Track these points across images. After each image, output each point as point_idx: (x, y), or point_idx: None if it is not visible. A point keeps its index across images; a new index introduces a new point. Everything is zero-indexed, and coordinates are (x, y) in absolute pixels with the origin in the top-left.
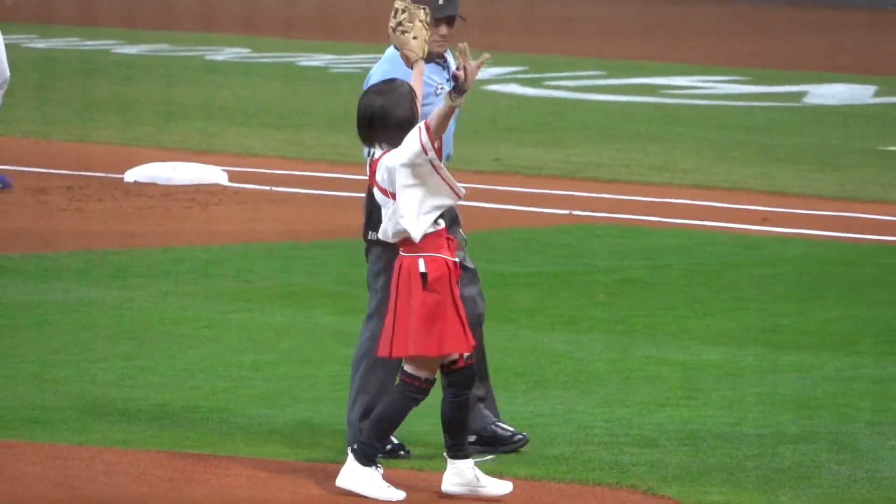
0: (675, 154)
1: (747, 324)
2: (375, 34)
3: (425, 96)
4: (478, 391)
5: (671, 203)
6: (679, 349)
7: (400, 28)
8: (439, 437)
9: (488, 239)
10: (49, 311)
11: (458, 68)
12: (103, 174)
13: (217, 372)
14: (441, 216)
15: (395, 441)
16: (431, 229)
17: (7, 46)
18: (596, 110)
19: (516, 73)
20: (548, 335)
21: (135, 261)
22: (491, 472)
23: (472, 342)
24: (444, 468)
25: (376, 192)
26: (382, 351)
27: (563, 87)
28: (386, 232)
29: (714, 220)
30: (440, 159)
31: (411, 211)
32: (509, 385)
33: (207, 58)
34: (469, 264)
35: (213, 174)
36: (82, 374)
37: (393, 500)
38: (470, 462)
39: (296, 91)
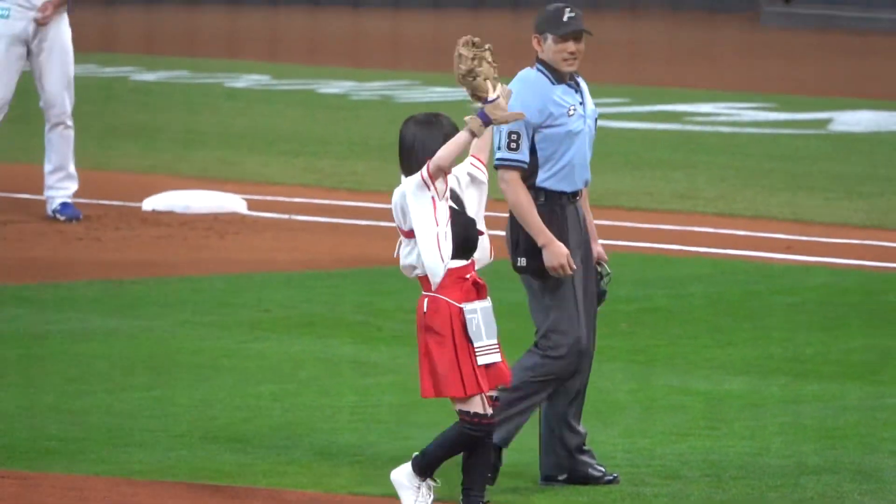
0: (698, 182)
1: (770, 353)
2: (398, 61)
3: (558, 117)
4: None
5: (694, 231)
6: (701, 378)
7: (471, 74)
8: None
9: (509, 270)
10: (66, 341)
11: (485, 92)
12: (121, 203)
13: (235, 402)
14: (456, 254)
15: (601, 468)
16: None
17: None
18: (619, 137)
19: None
20: None
21: (152, 290)
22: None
23: (472, 391)
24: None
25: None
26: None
27: None
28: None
29: (737, 249)
30: (442, 196)
31: (414, 251)
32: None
33: (227, 85)
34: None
35: (231, 202)
36: (99, 404)
37: None
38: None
39: (315, 118)
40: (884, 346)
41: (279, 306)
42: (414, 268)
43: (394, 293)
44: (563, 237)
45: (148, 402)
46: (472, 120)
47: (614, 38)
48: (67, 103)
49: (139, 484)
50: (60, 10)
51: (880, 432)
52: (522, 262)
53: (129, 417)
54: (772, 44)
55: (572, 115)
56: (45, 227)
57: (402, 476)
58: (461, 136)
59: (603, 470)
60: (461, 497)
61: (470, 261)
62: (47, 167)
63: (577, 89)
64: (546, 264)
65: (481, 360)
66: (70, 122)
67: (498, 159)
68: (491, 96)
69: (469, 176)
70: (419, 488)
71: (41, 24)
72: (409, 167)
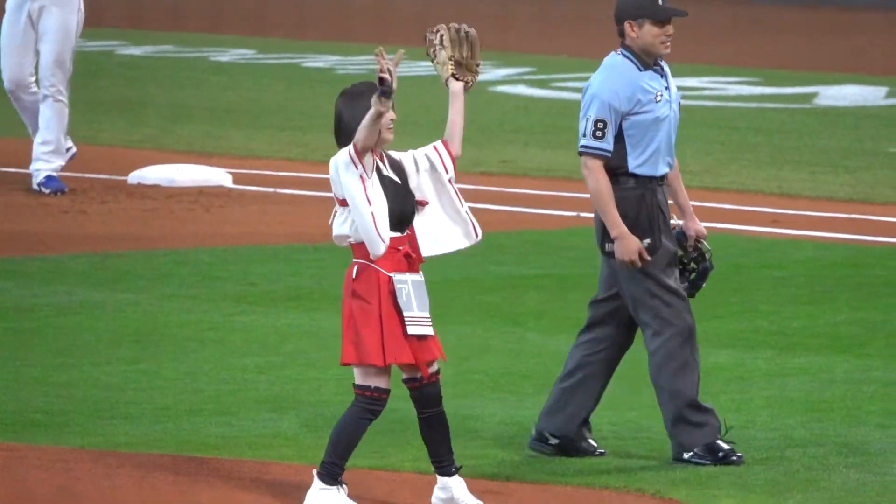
0: (684, 156)
1: (757, 326)
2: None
3: (646, 104)
4: (591, 403)
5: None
6: None
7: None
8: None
9: (496, 241)
10: (52, 315)
11: (381, 71)
12: (107, 176)
13: (221, 375)
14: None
15: (726, 446)
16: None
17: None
18: None
19: (524, 74)
20: (556, 338)
21: (138, 263)
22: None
23: (392, 360)
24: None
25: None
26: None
27: (572, 89)
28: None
29: (724, 223)
30: (371, 172)
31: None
32: (516, 388)
33: (213, 59)
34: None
35: (217, 176)
36: (85, 377)
37: None
38: (456, 480)
39: (301, 92)
40: (870, 319)
41: (265, 279)
42: (347, 237)
43: None
44: (653, 221)
45: (134, 374)
46: (374, 99)
47: (601, 13)
48: (58, 79)
49: (125, 456)
50: None
51: (866, 405)
52: (610, 247)
53: (114, 390)
54: (759, 19)
55: (659, 101)
56: (31, 201)
57: (316, 498)
58: (370, 113)
59: (595, 445)
60: (435, 472)
61: (405, 233)
62: (36, 139)
63: (663, 74)
64: (617, 257)
65: (411, 330)
66: (61, 98)
67: (582, 146)
68: (443, 76)
69: (428, 161)
70: (335, 500)
71: None
72: (340, 139)
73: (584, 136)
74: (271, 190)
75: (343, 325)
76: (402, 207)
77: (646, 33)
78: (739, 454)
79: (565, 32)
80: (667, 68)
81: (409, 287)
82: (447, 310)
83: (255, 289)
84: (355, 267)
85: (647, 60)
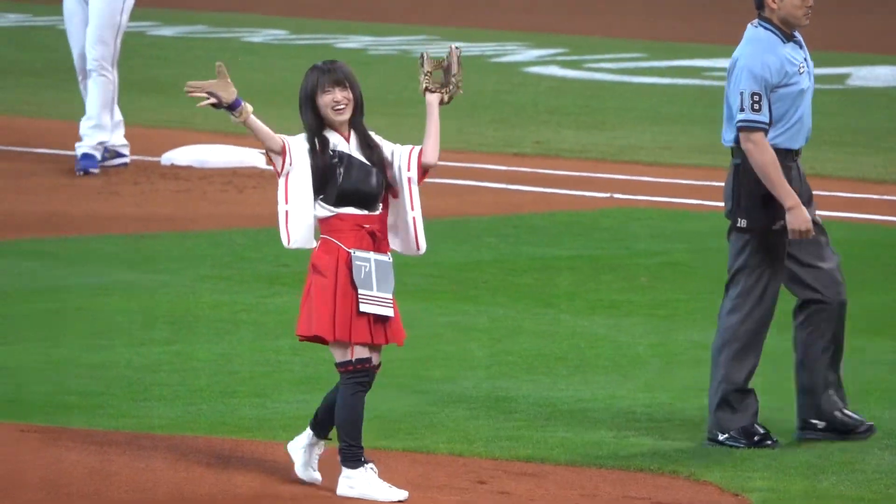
0: (717, 136)
1: (790, 308)
2: (416, 15)
3: (792, 76)
4: (830, 375)
5: (713, 186)
6: None
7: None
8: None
9: (529, 222)
10: (84, 296)
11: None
12: (139, 157)
13: (255, 357)
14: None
15: (762, 430)
16: (326, 213)
17: (43, 28)
18: (637, 92)
19: (556, 55)
20: (589, 319)
21: (171, 245)
22: (538, 458)
23: (341, 337)
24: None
25: None
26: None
27: (605, 70)
28: None
29: None
30: (283, 171)
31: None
32: (550, 369)
33: (245, 39)
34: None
35: (250, 157)
36: (118, 359)
37: (395, 500)
38: (322, 444)
39: None
40: None
41: (298, 261)
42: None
43: None
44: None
45: (168, 356)
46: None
47: None
48: (100, 53)
49: (158, 438)
50: None
51: None
52: (743, 222)
53: (148, 372)
54: None
55: (802, 72)
56: (65, 181)
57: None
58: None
59: (859, 418)
60: (310, 427)
61: (375, 213)
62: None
63: (802, 46)
64: (790, 227)
65: (364, 308)
66: (105, 73)
67: (742, 120)
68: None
69: (399, 158)
70: (370, 481)
71: None
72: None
73: (743, 110)
74: None
75: (302, 298)
76: (364, 187)
77: (787, 4)
78: (775, 438)
79: (597, 11)
80: (800, 37)
81: (372, 266)
82: (479, 291)
83: (289, 270)
84: (319, 241)
85: (787, 33)
